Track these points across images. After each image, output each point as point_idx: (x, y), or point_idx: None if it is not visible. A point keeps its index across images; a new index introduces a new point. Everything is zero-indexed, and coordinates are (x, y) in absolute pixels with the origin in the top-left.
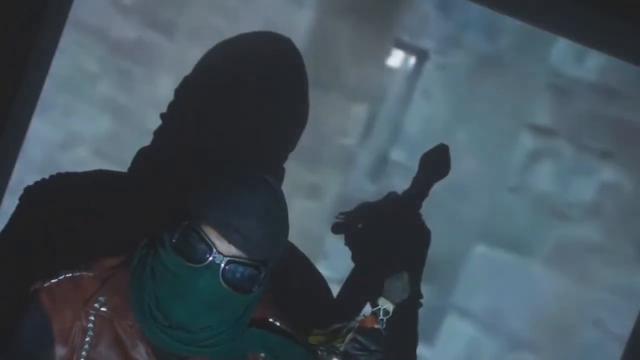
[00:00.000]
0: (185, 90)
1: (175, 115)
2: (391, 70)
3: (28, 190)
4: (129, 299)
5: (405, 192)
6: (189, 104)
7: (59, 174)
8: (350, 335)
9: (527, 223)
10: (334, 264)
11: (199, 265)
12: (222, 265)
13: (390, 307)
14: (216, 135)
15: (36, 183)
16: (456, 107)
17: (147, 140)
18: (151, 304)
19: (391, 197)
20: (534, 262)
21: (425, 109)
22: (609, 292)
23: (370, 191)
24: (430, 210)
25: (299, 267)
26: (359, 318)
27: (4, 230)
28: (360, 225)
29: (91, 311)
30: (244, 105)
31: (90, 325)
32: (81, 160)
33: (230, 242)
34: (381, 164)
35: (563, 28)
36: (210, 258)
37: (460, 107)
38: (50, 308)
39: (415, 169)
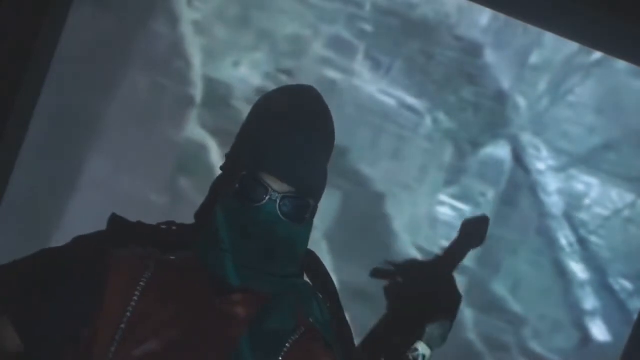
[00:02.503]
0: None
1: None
2: None
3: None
4: (193, 261)
5: (443, 254)
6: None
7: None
8: None
9: None
10: None
11: (259, 204)
12: (278, 201)
13: (428, 352)
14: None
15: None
16: None
17: None
18: (218, 247)
19: (433, 258)
20: None
21: None
22: None
23: None
24: None
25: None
26: None
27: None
28: (399, 278)
29: (153, 263)
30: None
31: (149, 272)
32: None
33: (282, 181)
34: None
35: (563, 28)
36: (268, 197)
37: None
38: (111, 263)
39: None
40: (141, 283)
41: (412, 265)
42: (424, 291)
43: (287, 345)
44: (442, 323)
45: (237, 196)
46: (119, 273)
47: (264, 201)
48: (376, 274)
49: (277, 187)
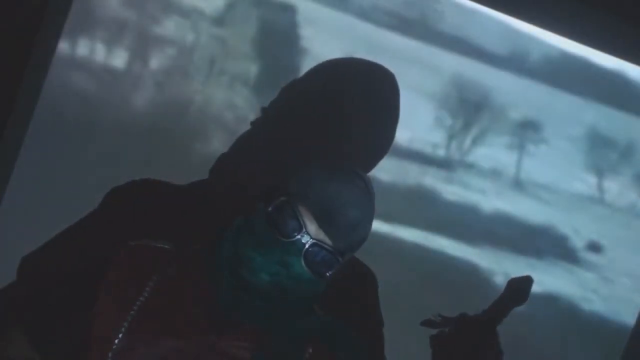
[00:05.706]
0: (287, 94)
1: (276, 115)
2: None
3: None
4: (201, 270)
5: (489, 309)
6: (285, 111)
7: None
8: None
9: None
10: None
11: (285, 240)
12: (307, 246)
13: None
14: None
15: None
16: None
17: None
18: (225, 263)
19: (480, 313)
20: None
21: None
22: None
23: None
24: None
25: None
26: None
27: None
28: (447, 330)
29: (157, 274)
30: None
31: (145, 294)
32: None
33: (320, 226)
34: None
35: (563, 28)
36: (298, 236)
37: None
38: (120, 256)
39: None
40: (134, 307)
41: (460, 318)
42: (468, 342)
43: None
44: None
45: (267, 218)
46: (109, 298)
47: (292, 239)
48: (426, 324)
49: (312, 229)
